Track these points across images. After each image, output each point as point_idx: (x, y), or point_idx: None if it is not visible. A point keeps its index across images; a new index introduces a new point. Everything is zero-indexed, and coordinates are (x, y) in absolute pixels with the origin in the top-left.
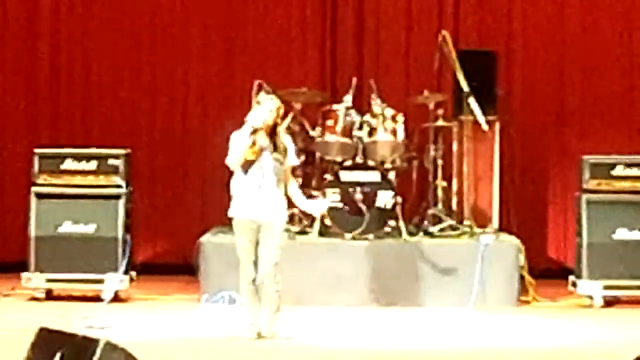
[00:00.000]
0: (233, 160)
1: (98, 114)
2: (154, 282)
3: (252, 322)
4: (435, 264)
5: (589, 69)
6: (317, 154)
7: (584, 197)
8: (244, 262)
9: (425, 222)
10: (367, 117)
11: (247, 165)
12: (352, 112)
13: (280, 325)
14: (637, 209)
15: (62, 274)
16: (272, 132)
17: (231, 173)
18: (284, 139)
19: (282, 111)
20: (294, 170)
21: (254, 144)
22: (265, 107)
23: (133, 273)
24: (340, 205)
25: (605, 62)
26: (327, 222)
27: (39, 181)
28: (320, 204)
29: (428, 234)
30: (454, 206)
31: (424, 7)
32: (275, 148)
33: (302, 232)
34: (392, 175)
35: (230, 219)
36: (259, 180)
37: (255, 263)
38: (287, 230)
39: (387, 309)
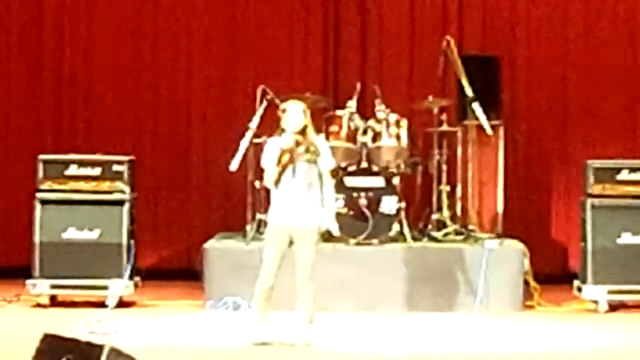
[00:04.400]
0: (270, 178)
1: (102, 120)
2: (158, 288)
3: (260, 327)
4: (439, 269)
5: (593, 73)
6: None
7: (589, 201)
8: (266, 267)
9: (430, 227)
10: (371, 122)
11: (281, 173)
12: (356, 117)
13: (308, 332)
14: None
15: (66, 280)
16: (302, 135)
17: (238, 178)
18: (316, 140)
19: (309, 112)
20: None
21: (286, 155)
22: (290, 114)
23: (137, 279)
24: (345, 210)
25: (608, 66)
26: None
27: (43, 187)
28: (334, 225)
29: (432, 239)
30: (459, 211)
31: (428, 13)
32: (306, 151)
33: None
34: (396, 181)
35: (241, 222)
36: (292, 187)
37: (277, 270)
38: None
39: (391, 314)
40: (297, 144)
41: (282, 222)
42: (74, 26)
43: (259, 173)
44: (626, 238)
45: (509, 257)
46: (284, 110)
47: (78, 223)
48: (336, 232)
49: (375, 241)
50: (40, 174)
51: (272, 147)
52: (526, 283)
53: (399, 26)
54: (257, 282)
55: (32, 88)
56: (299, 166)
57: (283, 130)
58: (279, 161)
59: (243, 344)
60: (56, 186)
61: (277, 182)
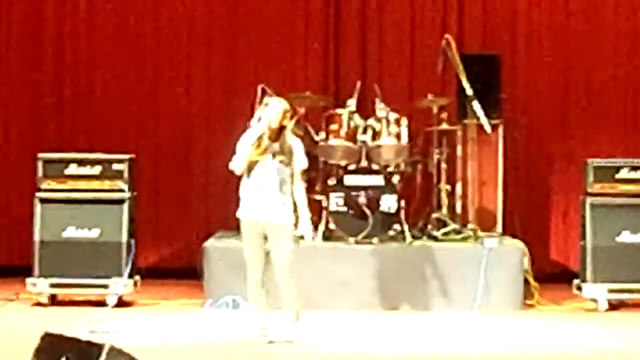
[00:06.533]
0: (238, 162)
1: (102, 119)
2: (158, 287)
3: (261, 327)
4: (439, 268)
5: (593, 72)
6: (321, 158)
7: (588, 200)
8: (250, 264)
9: (430, 226)
10: (371, 121)
11: (251, 167)
12: (356, 116)
13: (296, 330)
14: None
15: (66, 278)
16: (278, 134)
17: (238, 177)
18: (291, 141)
19: (289, 114)
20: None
21: (259, 145)
22: (271, 109)
23: (137, 278)
24: (344, 209)
25: (609, 65)
26: (332, 226)
27: (43, 186)
28: (308, 231)
29: (432, 237)
30: (458, 210)
31: (428, 11)
32: (281, 150)
33: None
34: (396, 179)
35: (237, 222)
36: (263, 182)
37: (263, 265)
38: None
39: (391, 313)
40: (271, 137)
41: (253, 218)
42: (74, 24)
43: None
44: (625, 237)
45: (509, 256)
46: (266, 104)
47: (78, 222)
48: (308, 238)
49: (375, 240)
50: (40, 172)
51: (242, 141)
52: (526, 282)
53: (399, 25)
54: (247, 283)
55: (32, 87)
56: (271, 163)
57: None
58: (255, 146)
59: (246, 343)
60: (56, 185)
61: (243, 169)
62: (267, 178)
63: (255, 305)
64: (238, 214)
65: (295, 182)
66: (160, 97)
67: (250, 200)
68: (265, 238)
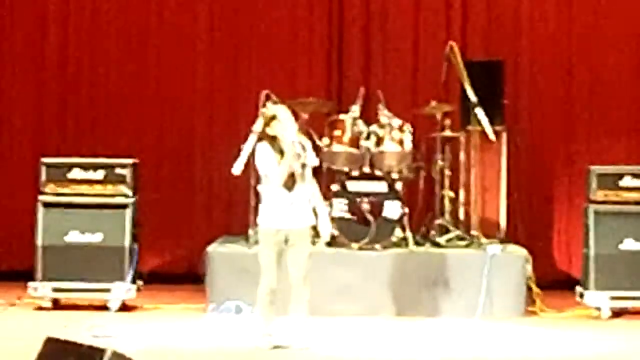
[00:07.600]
0: (280, 179)
1: (105, 123)
2: (161, 292)
3: (266, 332)
4: (442, 274)
5: (597, 79)
6: (324, 164)
7: (591, 207)
8: (265, 271)
9: (432, 233)
10: (374, 127)
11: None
12: (360, 122)
13: (297, 334)
14: None
15: (69, 283)
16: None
17: (241, 182)
18: (302, 140)
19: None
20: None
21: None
22: (283, 118)
23: (140, 282)
24: (348, 215)
25: (612, 72)
26: (334, 232)
27: (46, 190)
28: (328, 228)
29: (435, 244)
30: (461, 216)
31: (432, 18)
32: (299, 154)
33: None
34: (399, 186)
35: (240, 226)
36: (293, 185)
37: (276, 274)
38: None
39: (393, 319)
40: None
41: (276, 225)
42: (78, 29)
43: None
44: (629, 244)
45: (512, 262)
46: (273, 117)
47: (81, 226)
48: (326, 237)
49: (377, 246)
50: (43, 177)
51: (269, 151)
52: (529, 289)
53: (403, 31)
54: (259, 288)
55: (35, 91)
56: (296, 168)
57: (273, 138)
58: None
59: (246, 348)
60: (59, 189)
61: (288, 184)
62: (297, 186)
63: (264, 312)
64: (260, 222)
65: (311, 181)
66: (163, 102)
67: (277, 207)
68: (285, 243)
